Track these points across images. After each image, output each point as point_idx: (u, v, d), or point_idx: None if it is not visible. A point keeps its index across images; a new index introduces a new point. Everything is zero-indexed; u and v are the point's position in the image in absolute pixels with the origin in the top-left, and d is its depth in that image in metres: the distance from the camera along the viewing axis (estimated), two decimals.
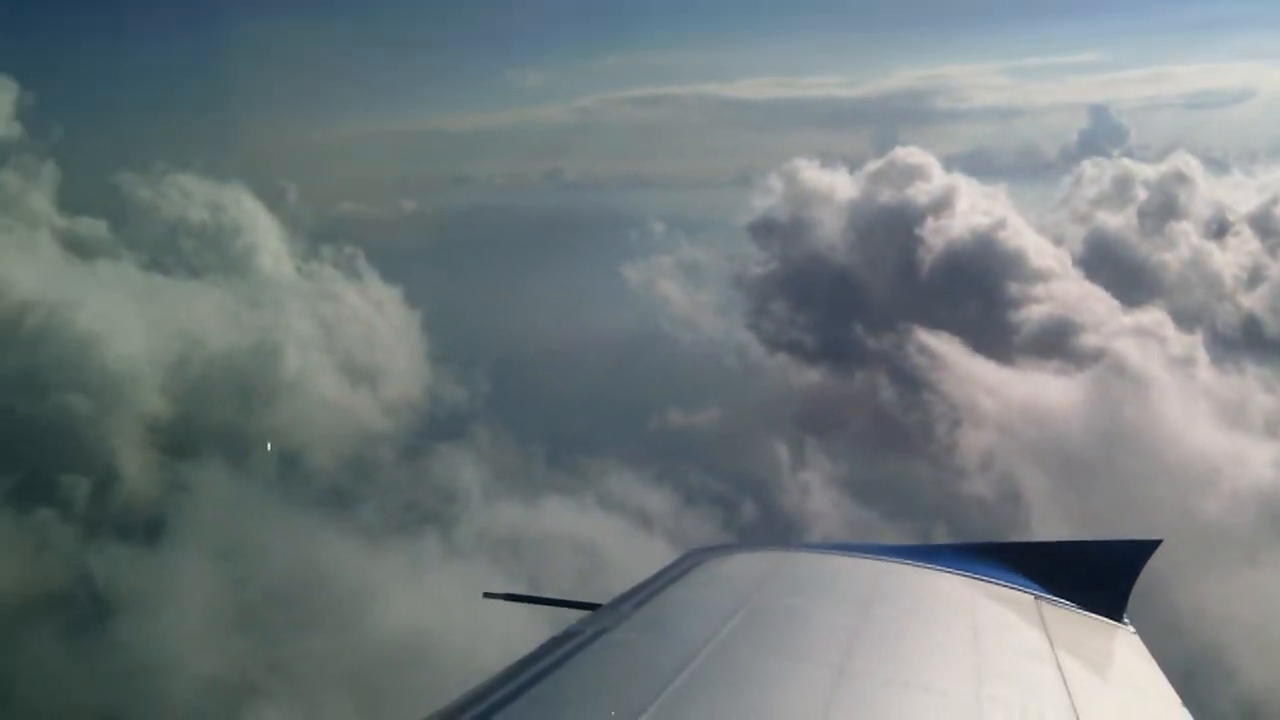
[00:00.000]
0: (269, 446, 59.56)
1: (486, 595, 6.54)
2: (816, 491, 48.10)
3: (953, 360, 57.23)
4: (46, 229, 71.61)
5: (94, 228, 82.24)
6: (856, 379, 65.70)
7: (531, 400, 70.53)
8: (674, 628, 4.81)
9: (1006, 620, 5.52)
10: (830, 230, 79.91)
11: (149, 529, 49.59)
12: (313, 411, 66.16)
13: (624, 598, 5.15)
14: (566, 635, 4.54)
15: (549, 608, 6.04)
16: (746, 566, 6.01)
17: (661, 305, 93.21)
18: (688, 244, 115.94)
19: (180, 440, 59.52)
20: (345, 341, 75.62)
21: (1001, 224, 76.19)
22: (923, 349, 59.00)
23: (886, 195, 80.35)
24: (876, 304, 73.43)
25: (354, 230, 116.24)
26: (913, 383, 58.33)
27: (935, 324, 63.61)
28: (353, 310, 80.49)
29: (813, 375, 71.07)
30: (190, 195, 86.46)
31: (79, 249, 73.33)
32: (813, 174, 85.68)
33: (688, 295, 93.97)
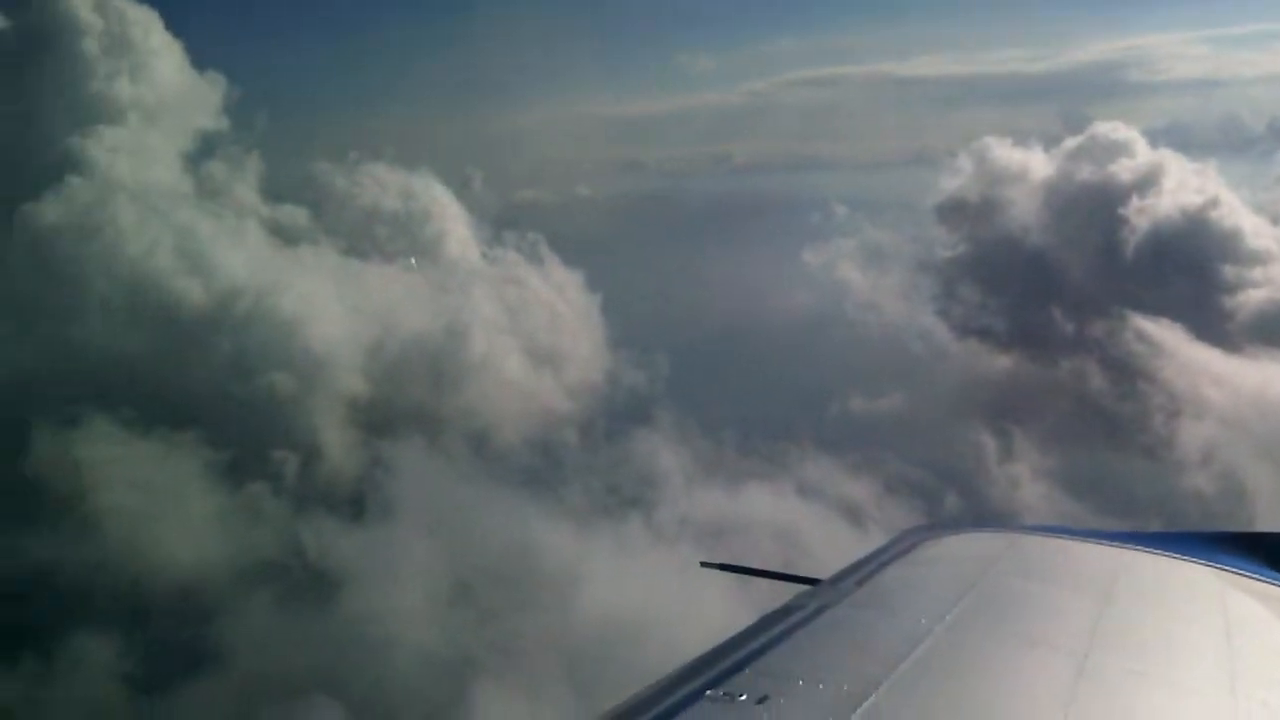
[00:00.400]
0: (461, 427, 61.36)
1: (703, 564, 6.58)
2: (1025, 484, 45.93)
3: (1171, 348, 53.61)
4: (253, 217, 75.38)
5: (295, 215, 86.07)
6: (1061, 366, 62.52)
7: (713, 385, 70.08)
8: (901, 606, 4.70)
9: (1263, 617, 5.19)
10: (1024, 210, 76.43)
11: (353, 503, 51.68)
12: (499, 393, 67.66)
13: (844, 574, 5.09)
14: (787, 610, 4.46)
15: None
16: (973, 547, 5.85)
17: (842, 289, 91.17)
18: (867, 226, 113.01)
19: (378, 418, 61.82)
20: (529, 325, 77.05)
21: (1214, 202, 71.29)
22: (1139, 335, 55.53)
23: (1086, 173, 76.25)
24: (1076, 288, 69.80)
25: (533, 216, 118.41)
26: (1125, 371, 55.02)
27: (1142, 309, 60.04)
28: (536, 295, 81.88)
29: (1005, 362, 68.14)
30: (383, 183, 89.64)
31: (282, 236, 76.89)
32: (1004, 152, 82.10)
33: (869, 279, 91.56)
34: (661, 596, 30.81)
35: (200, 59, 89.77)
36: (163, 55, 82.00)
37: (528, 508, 41.80)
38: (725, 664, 3.77)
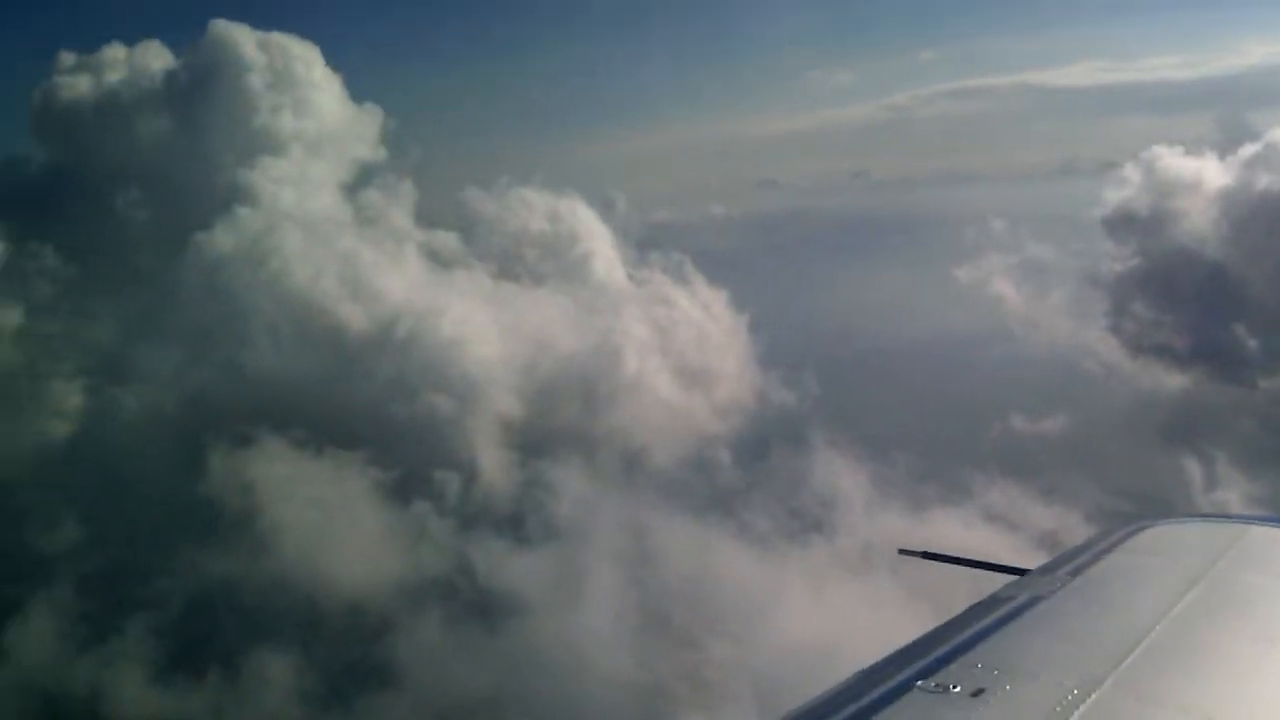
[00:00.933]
0: (615, 447, 61.24)
1: (901, 552, 6.55)
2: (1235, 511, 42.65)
3: None
4: (410, 243, 77.09)
5: (447, 240, 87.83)
6: (1252, 385, 58.46)
7: (867, 404, 68.34)
8: (1122, 598, 4.47)
9: None
10: (1199, 222, 72.21)
11: (514, 523, 51.92)
12: (651, 412, 67.33)
13: (1056, 563, 4.88)
14: (996, 600, 4.30)
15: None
16: (1196, 537, 5.55)
17: (999, 305, 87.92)
18: (1023, 241, 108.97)
19: (533, 439, 62.16)
20: (678, 345, 76.65)
21: None
22: None
23: (1265, 182, 71.59)
24: (1260, 302, 65.35)
25: (674, 236, 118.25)
26: None
27: None
28: (683, 314, 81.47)
29: (1186, 380, 64.26)
30: (532, 207, 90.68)
31: (437, 261, 78.45)
32: (1175, 161, 77.86)
33: (1028, 295, 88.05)
34: (848, 623, 29.62)
35: (358, 91, 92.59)
36: (323, 89, 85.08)
37: (699, 529, 41.04)
38: (935, 654, 3.65)
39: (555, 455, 59.32)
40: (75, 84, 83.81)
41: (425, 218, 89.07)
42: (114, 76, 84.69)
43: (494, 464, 60.04)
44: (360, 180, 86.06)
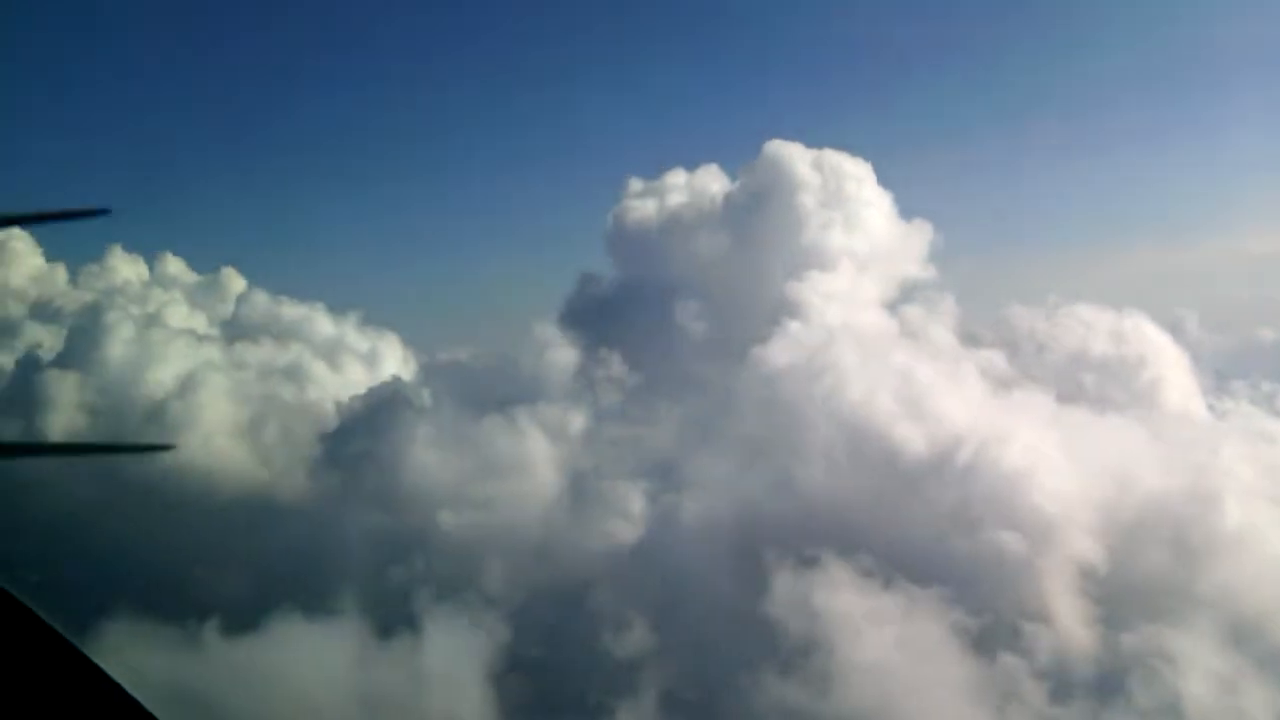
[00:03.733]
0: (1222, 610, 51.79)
1: None
2: None
3: None
4: (966, 361, 72.93)
5: (992, 359, 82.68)
6: None
7: None
8: None
9: None
10: None
11: (1112, 691, 44.97)
12: (1265, 572, 56.42)
13: None
14: None
15: None
16: None
17: None
18: None
19: (1117, 591, 54.46)
20: None
21: None
22: None
23: None
24: None
25: (1250, 361, 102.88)
26: None
27: None
28: None
29: None
30: (1088, 324, 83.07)
31: (988, 380, 73.47)
32: None
33: None
34: None
35: (907, 209, 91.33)
36: (874, 205, 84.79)
37: None
38: None
39: (1148, 613, 51.37)
40: (642, 206, 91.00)
41: (967, 334, 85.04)
42: (676, 199, 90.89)
43: (1072, 617, 53.23)
44: (902, 296, 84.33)
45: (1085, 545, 57.29)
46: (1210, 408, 77.95)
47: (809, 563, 54.75)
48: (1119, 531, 58.64)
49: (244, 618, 52.83)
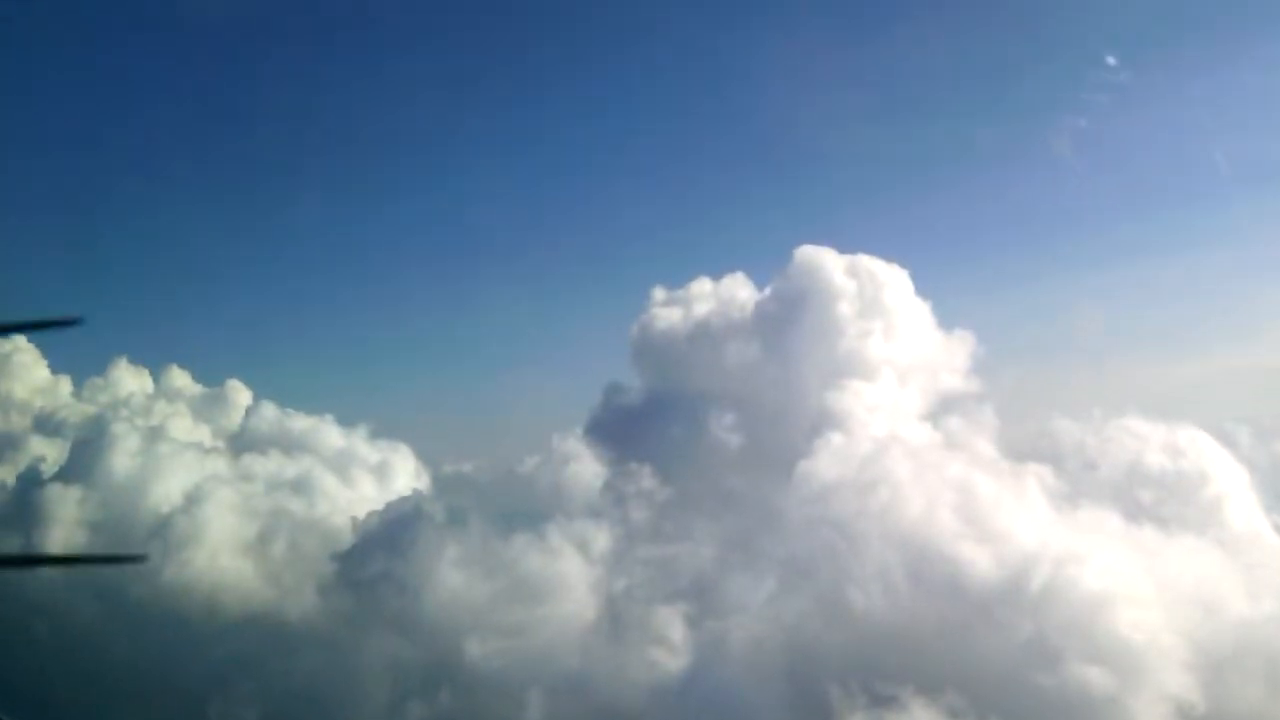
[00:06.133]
0: None
1: None
2: None
3: None
4: (1029, 476, 68.85)
5: (1039, 474, 78.94)
6: None
7: None
8: None
9: None
10: None
11: None
12: None
13: None
14: None
15: None
16: None
17: None
18: None
19: None
20: None
21: None
22: None
23: None
24: None
25: None
26: None
27: None
28: None
29: None
30: (1141, 438, 79.53)
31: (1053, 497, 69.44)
32: None
33: None
34: None
35: (947, 319, 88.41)
36: (912, 315, 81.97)
37: None
38: None
39: None
40: (667, 315, 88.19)
41: (1010, 448, 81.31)
42: (703, 307, 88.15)
43: None
44: (942, 407, 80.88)
45: (1178, 679, 52.75)
46: (1276, 526, 73.50)
47: (883, 701, 50.04)
48: (1211, 664, 54.01)
49: None
